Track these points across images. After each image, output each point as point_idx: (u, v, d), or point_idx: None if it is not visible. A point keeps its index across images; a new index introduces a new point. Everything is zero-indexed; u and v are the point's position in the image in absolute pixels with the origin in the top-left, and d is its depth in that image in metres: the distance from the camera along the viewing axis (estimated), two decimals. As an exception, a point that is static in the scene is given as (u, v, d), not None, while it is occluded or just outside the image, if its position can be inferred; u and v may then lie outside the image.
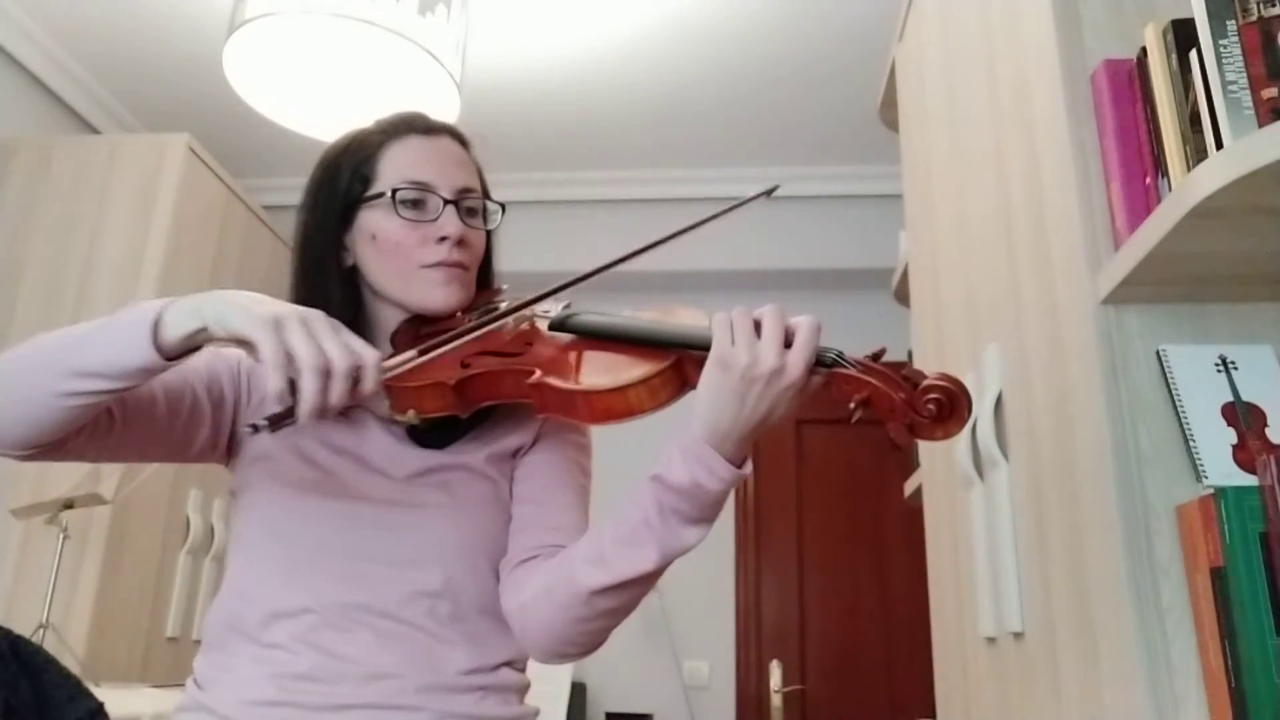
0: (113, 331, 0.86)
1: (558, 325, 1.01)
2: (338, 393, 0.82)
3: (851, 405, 0.83)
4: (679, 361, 0.91)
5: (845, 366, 0.85)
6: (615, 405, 0.90)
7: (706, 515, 0.89)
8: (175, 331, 0.84)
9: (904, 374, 0.84)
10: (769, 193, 1.02)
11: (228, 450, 1.08)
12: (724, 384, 0.84)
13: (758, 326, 0.85)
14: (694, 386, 0.89)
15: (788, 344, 0.84)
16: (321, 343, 0.82)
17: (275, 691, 0.94)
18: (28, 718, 1.37)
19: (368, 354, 0.84)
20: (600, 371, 0.93)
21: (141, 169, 3.02)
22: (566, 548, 0.99)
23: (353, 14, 2.17)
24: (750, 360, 0.83)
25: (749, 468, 0.88)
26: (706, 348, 0.86)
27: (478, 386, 0.98)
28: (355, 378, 0.83)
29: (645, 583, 0.92)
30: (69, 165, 3.05)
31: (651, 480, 0.89)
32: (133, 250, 2.93)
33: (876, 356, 0.85)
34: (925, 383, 0.82)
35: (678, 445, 0.87)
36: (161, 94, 3.46)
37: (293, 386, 0.81)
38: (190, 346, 0.86)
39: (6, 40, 3.07)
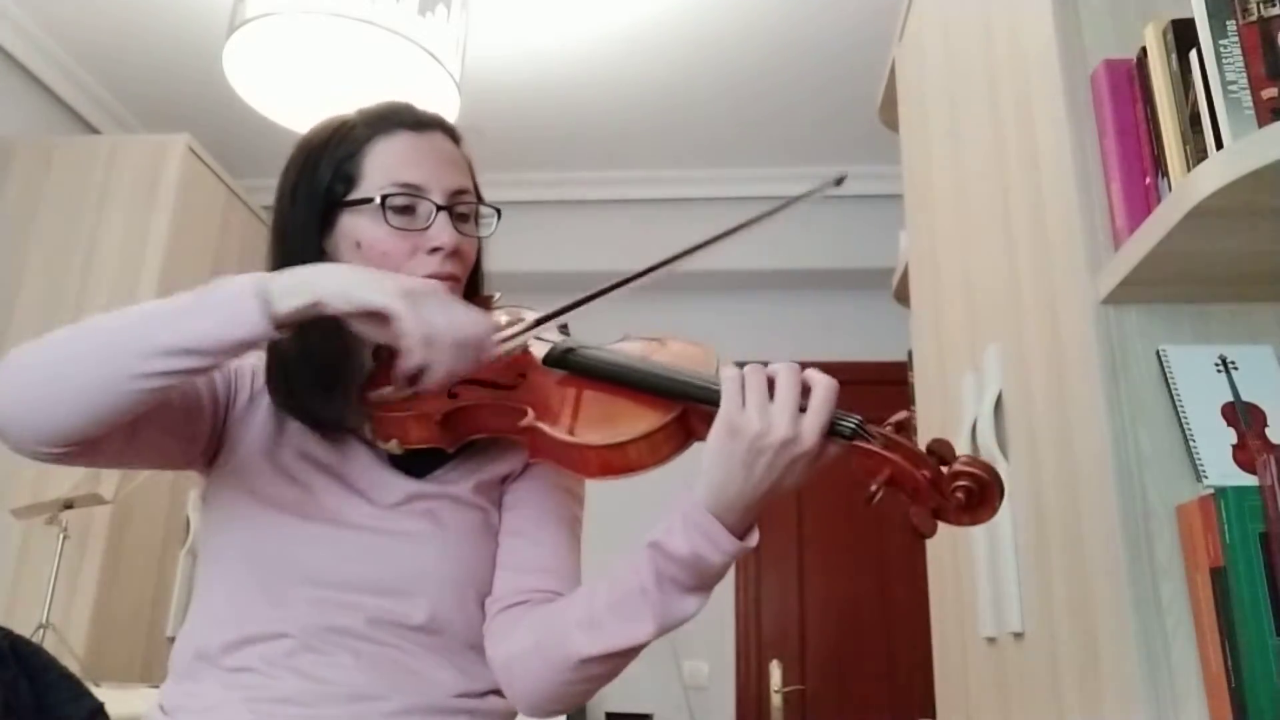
0: (211, 306, 0.82)
1: (555, 360, 0.94)
2: (469, 361, 0.84)
3: (873, 487, 0.77)
4: (684, 414, 0.84)
5: (867, 438, 0.78)
6: (614, 461, 0.84)
7: (706, 584, 0.84)
8: (288, 305, 0.82)
9: (930, 447, 0.78)
10: (838, 181, 0.93)
11: (211, 455, 1.01)
12: (732, 452, 0.78)
13: (770, 385, 0.79)
14: (699, 439, 0.83)
15: (802, 408, 0.78)
16: (454, 314, 0.84)
17: (250, 717, 0.88)
18: (28, 718, 1.37)
19: (486, 323, 0.87)
20: (599, 421, 0.86)
21: (141, 169, 3.02)
22: (557, 598, 0.95)
23: (353, 14, 2.16)
24: (762, 428, 0.77)
25: (754, 539, 0.82)
26: (715, 402, 0.80)
27: (465, 420, 0.92)
28: (479, 347, 0.86)
29: (640, 650, 0.88)
30: (69, 165, 3.05)
31: (649, 547, 0.83)
32: (133, 250, 2.93)
33: (900, 426, 0.78)
34: (954, 468, 0.76)
35: (679, 511, 0.82)
36: (161, 94, 3.46)
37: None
38: (299, 320, 0.83)
39: (6, 40, 3.07)
